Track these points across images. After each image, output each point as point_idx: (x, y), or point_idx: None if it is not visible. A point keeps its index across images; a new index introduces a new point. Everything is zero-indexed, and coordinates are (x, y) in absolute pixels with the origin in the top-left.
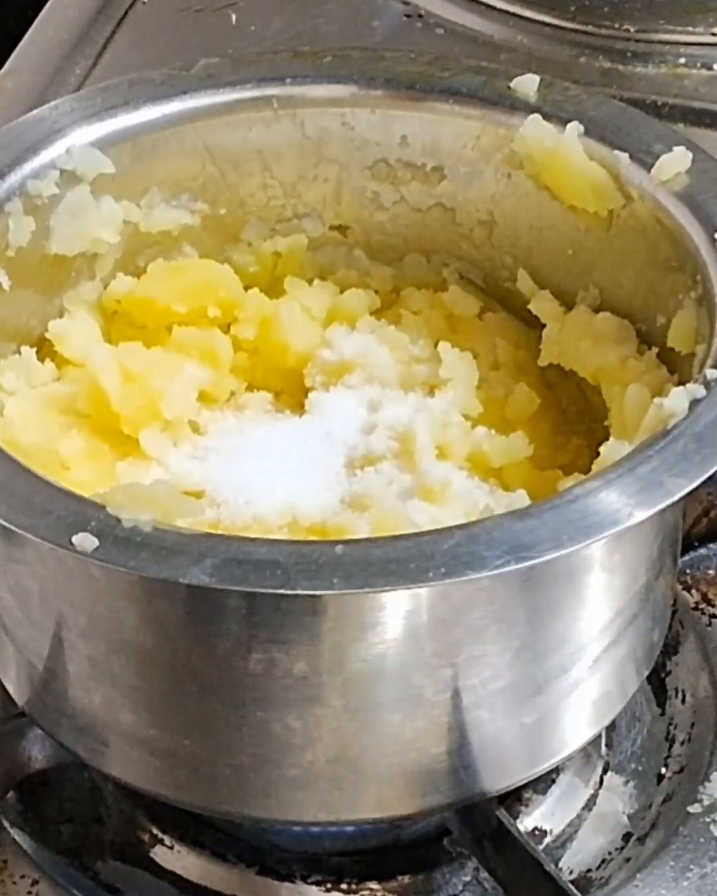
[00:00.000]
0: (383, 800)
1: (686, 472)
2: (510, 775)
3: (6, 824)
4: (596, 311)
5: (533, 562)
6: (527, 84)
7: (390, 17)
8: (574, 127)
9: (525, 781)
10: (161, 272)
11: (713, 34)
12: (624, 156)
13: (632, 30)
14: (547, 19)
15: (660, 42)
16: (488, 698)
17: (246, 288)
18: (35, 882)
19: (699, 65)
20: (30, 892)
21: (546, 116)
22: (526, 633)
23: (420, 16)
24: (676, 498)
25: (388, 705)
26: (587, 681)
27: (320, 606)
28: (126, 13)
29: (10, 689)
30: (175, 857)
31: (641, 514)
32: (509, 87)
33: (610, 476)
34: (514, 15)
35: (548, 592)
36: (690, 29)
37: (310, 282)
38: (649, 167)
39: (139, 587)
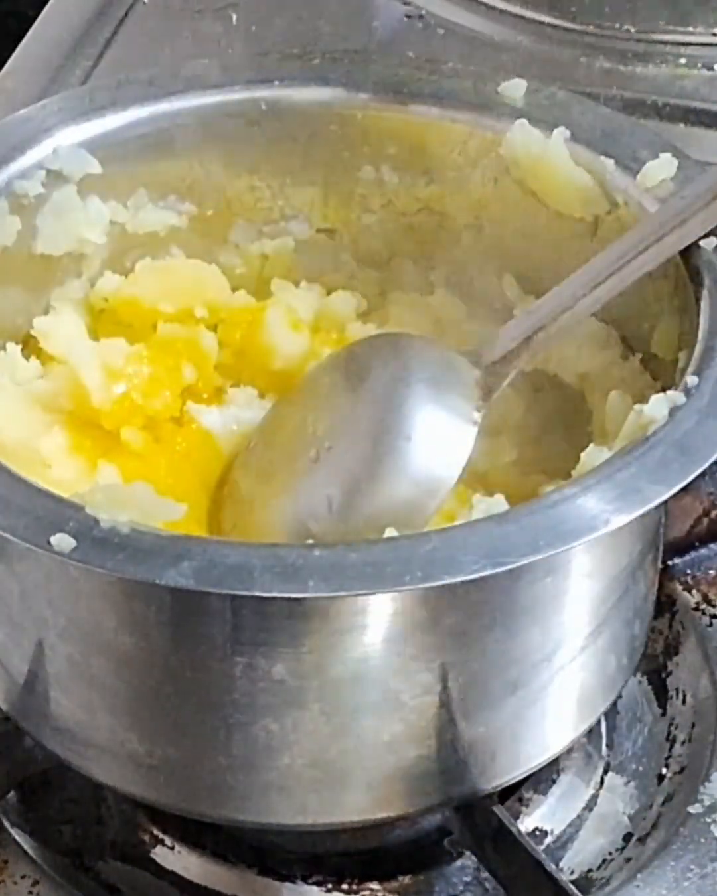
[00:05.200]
0: (364, 803)
1: (665, 478)
2: (497, 775)
3: (7, 824)
4: None
5: (510, 566)
6: (514, 88)
7: (390, 17)
8: (561, 132)
9: (514, 780)
10: (148, 272)
11: (714, 34)
12: (610, 162)
13: (633, 30)
14: (547, 19)
15: (661, 42)
16: (467, 701)
17: (233, 290)
18: (36, 882)
19: (699, 65)
20: (30, 893)
21: (533, 121)
22: (505, 638)
23: (421, 16)
24: (653, 504)
25: (367, 708)
26: (569, 681)
27: (298, 610)
28: (127, 13)
29: None
30: (176, 858)
31: (619, 520)
32: (496, 92)
33: (589, 482)
34: (514, 15)
35: (526, 596)
36: (690, 29)
37: (297, 284)
38: (634, 173)
39: (117, 588)
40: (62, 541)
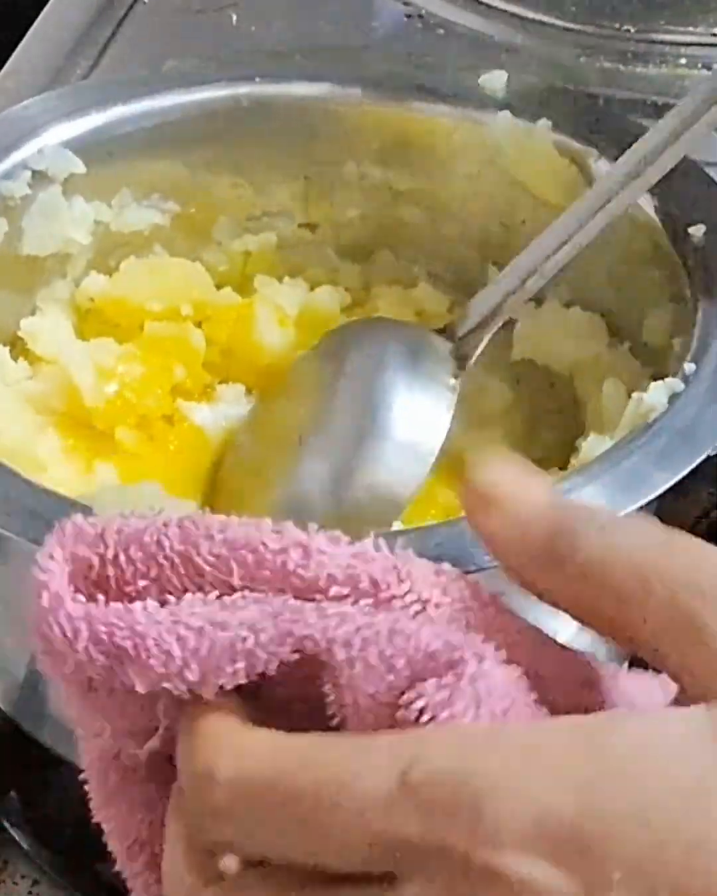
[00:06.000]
0: None
1: (670, 465)
2: None
3: (6, 824)
4: (567, 306)
5: None
6: (495, 80)
7: (389, 17)
8: (545, 123)
9: None
10: (134, 271)
11: (714, 34)
12: (593, 151)
13: (632, 30)
14: (547, 19)
15: (661, 42)
16: None
17: (218, 287)
18: (36, 882)
19: (699, 65)
20: (30, 893)
21: (516, 112)
22: None
23: (420, 16)
24: (661, 491)
25: None
26: None
27: None
28: (126, 13)
29: None
30: None
31: (627, 508)
32: (478, 84)
33: (593, 471)
34: (514, 15)
35: None
36: (690, 29)
37: (280, 280)
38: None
39: None
40: None
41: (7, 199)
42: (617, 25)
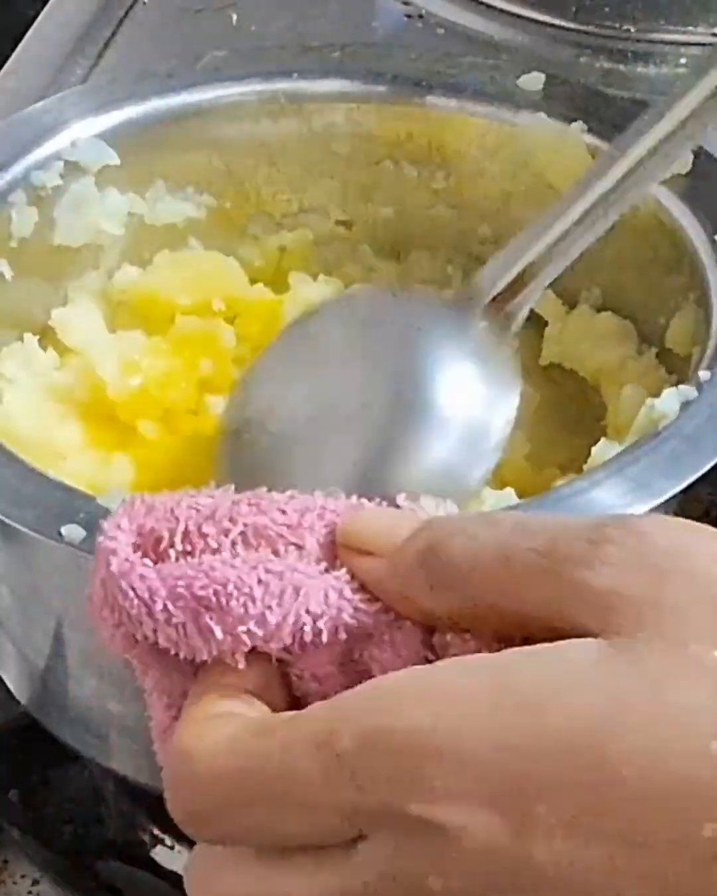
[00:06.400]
0: None
1: (676, 472)
2: None
3: (6, 824)
4: (598, 310)
5: None
6: (533, 82)
7: (389, 17)
8: (579, 125)
9: None
10: (166, 264)
11: (714, 34)
12: None
13: (633, 30)
14: (547, 19)
15: (661, 42)
16: None
17: (251, 283)
18: (36, 882)
19: None
20: (30, 892)
21: (551, 114)
22: None
23: (421, 16)
24: (663, 499)
25: None
26: None
27: None
28: (127, 13)
29: (11, 686)
30: (176, 858)
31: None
32: (515, 85)
33: (599, 476)
34: (514, 15)
35: None
36: (691, 29)
37: (315, 277)
38: None
39: None
40: (72, 531)
41: (38, 190)
42: (617, 25)
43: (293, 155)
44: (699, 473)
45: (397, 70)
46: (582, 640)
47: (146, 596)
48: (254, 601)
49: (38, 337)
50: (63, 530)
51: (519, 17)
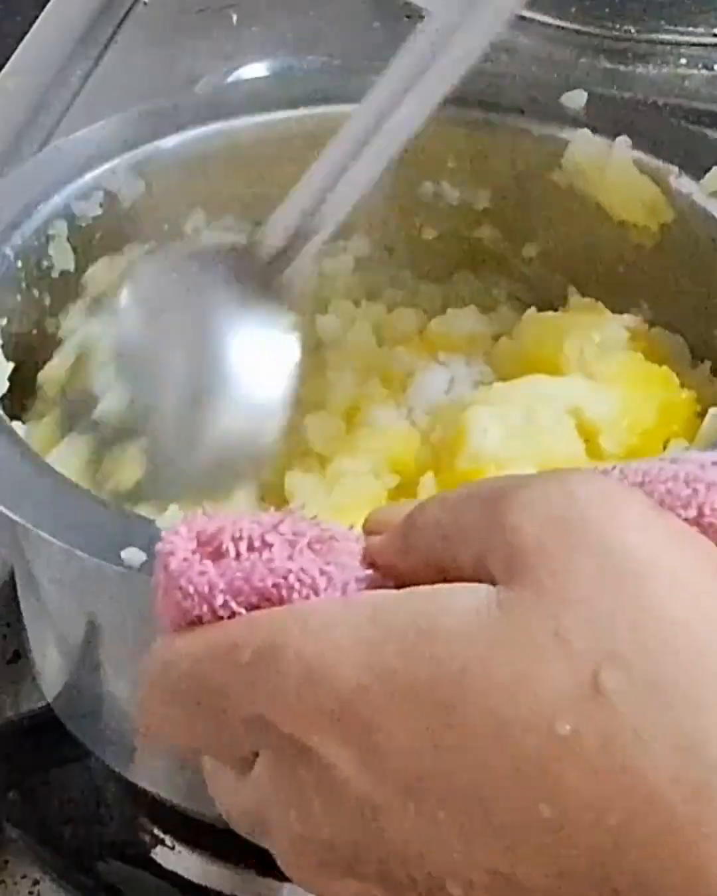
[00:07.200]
0: None
1: None
2: None
3: (7, 824)
4: (650, 325)
5: None
6: (575, 99)
7: (390, 17)
8: (623, 140)
9: None
10: None
11: (714, 34)
12: (674, 168)
13: (633, 30)
14: (548, 20)
15: (661, 43)
16: None
17: None
18: (36, 882)
19: (700, 65)
20: (30, 893)
21: (595, 130)
22: None
23: (421, 16)
24: None
25: None
26: None
27: None
28: (127, 13)
29: (42, 684)
30: (176, 858)
31: None
32: (557, 102)
33: None
34: (514, 15)
35: None
36: (691, 29)
37: (357, 303)
38: (698, 179)
39: None
40: (133, 555)
41: (78, 219)
42: (617, 25)
43: None
44: None
45: None
46: (477, 585)
47: (206, 591)
48: (317, 592)
49: None
50: (123, 554)
51: (519, 17)
